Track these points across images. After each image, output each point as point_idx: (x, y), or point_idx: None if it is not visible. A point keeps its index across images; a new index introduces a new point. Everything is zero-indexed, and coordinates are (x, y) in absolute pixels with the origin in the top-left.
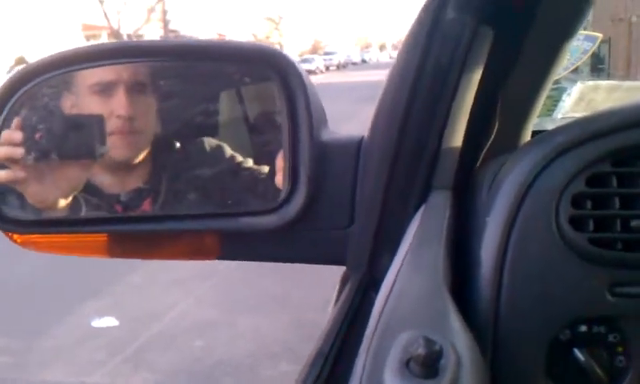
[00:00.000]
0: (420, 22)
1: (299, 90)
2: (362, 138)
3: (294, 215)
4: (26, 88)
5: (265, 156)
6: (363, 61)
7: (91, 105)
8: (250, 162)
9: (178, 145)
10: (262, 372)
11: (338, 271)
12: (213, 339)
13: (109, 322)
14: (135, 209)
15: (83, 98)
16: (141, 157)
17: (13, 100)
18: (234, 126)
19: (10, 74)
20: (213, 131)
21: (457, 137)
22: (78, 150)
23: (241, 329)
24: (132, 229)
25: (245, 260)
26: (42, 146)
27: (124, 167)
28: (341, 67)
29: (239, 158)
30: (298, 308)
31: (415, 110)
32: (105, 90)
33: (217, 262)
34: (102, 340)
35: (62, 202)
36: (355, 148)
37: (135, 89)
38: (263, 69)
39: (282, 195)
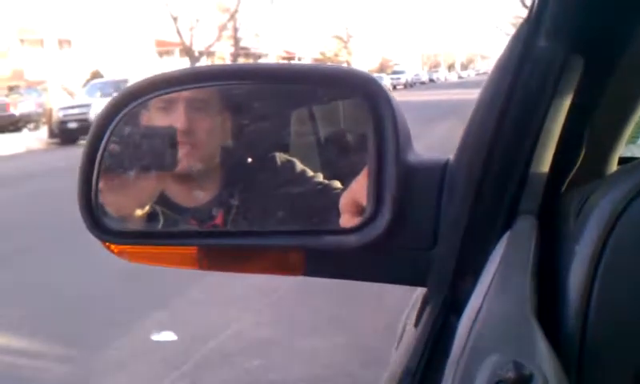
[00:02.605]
0: (511, 49)
1: (387, 113)
2: (448, 160)
3: (377, 235)
4: (126, 110)
5: (338, 174)
6: (431, 80)
7: (156, 120)
8: (320, 177)
9: (249, 160)
10: None
11: (399, 296)
12: (268, 359)
13: (168, 336)
14: (207, 222)
15: (152, 113)
16: (209, 170)
17: (116, 120)
18: (304, 143)
19: (113, 96)
20: (284, 147)
21: (544, 162)
22: (151, 160)
23: (297, 350)
24: (216, 243)
25: (328, 277)
26: (118, 158)
27: (195, 179)
28: (408, 86)
29: (310, 173)
30: (356, 331)
31: (503, 134)
32: (167, 106)
33: (277, 279)
34: (160, 354)
35: (139, 212)
36: (440, 170)
37: (194, 106)
38: (350, 92)
39: (366, 215)
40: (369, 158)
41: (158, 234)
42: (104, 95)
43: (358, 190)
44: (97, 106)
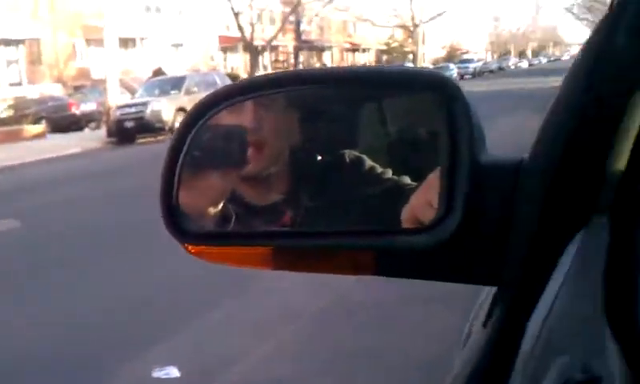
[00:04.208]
0: (589, 44)
1: (462, 114)
2: (522, 159)
3: (448, 234)
4: (207, 116)
5: (409, 171)
6: (500, 68)
7: (225, 120)
8: (389, 173)
9: (319, 158)
10: None
11: (446, 317)
12: None
13: (170, 371)
14: (278, 222)
15: (221, 114)
16: (281, 170)
17: (196, 127)
18: (374, 140)
19: (196, 104)
20: (353, 144)
21: (620, 161)
22: (222, 159)
23: None
24: (290, 243)
25: (399, 277)
26: (195, 158)
27: (264, 179)
28: (476, 75)
29: (379, 169)
30: (394, 365)
31: (580, 132)
32: (236, 108)
33: (303, 304)
34: None
35: (212, 210)
36: (515, 169)
37: (262, 103)
38: (427, 94)
39: (438, 214)
40: (441, 157)
41: (232, 234)
42: (162, 93)
43: (430, 189)
44: (154, 104)
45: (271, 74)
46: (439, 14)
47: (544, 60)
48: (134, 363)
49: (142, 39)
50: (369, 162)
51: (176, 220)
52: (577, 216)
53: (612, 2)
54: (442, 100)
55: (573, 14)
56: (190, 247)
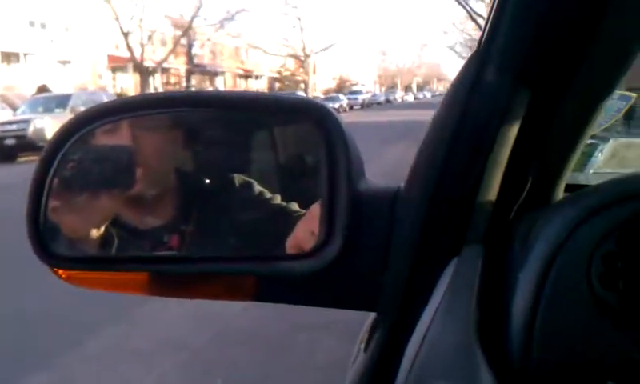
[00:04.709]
0: (461, 78)
1: (339, 141)
2: (399, 187)
3: (329, 261)
4: (80, 133)
5: (297, 197)
6: (387, 101)
7: (102, 141)
8: (278, 199)
9: (207, 181)
10: None
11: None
12: None
13: None
14: (162, 246)
15: (98, 135)
16: (166, 193)
17: (67, 144)
18: (264, 165)
19: (69, 119)
20: (243, 168)
21: (492, 191)
22: (105, 180)
23: None
24: (168, 269)
25: (280, 303)
26: (73, 177)
27: (150, 202)
28: (365, 106)
29: (267, 195)
30: None
31: (452, 163)
32: (112, 128)
33: (187, 334)
34: None
35: (94, 233)
36: (391, 197)
37: (139, 125)
38: (302, 119)
39: (318, 241)
40: (321, 185)
41: (107, 259)
42: (46, 111)
43: (312, 219)
44: (36, 122)
45: (157, 93)
46: (329, 46)
47: (428, 94)
48: None
49: (26, 54)
50: (258, 187)
51: (44, 242)
52: (451, 244)
53: (480, 40)
54: (321, 131)
55: (455, 52)
56: (60, 271)
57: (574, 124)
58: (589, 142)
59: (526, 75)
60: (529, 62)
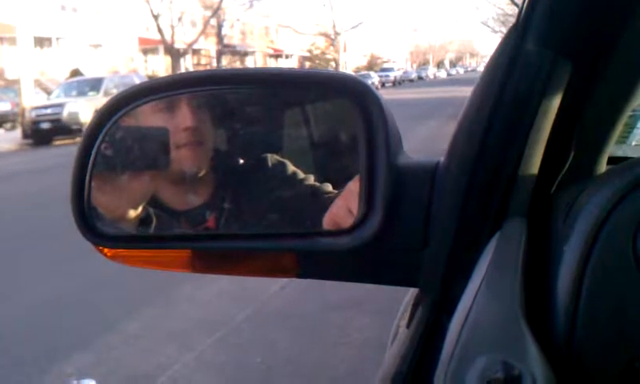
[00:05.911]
0: (500, 52)
1: (378, 116)
2: (438, 161)
3: (369, 237)
4: (118, 115)
5: (330, 176)
6: (419, 77)
7: (158, 121)
8: (311, 179)
9: (241, 161)
10: None
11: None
12: None
13: None
14: (200, 225)
15: (151, 115)
16: (204, 172)
17: (108, 124)
18: (297, 144)
19: (109, 99)
20: (276, 148)
21: (533, 164)
22: (143, 162)
23: None
24: (210, 246)
25: (321, 279)
26: (115, 158)
27: (189, 182)
28: (396, 84)
29: (301, 175)
30: (314, 375)
31: (493, 136)
32: (169, 106)
33: (224, 313)
34: None
35: (132, 213)
36: (431, 172)
37: (196, 103)
38: (341, 95)
39: (358, 216)
40: (360, 161)
41: (151, 237)
42: (79, 94)
43: (349, 197)
44: (71, 106)
45: (186, 73)
46: (358, 24)
47: (461, 70)
48: (49, 375)
49: (59, 39)
50: (291, 167)
51: (89, 222)
52: (493, 218)
53: (519, 13)
54: (359, 105)
55: (488, 27)
56: (105, 250)
57: (615, 96)
58: (631, 113)
59: (567, 47)
60: (569, 34)
